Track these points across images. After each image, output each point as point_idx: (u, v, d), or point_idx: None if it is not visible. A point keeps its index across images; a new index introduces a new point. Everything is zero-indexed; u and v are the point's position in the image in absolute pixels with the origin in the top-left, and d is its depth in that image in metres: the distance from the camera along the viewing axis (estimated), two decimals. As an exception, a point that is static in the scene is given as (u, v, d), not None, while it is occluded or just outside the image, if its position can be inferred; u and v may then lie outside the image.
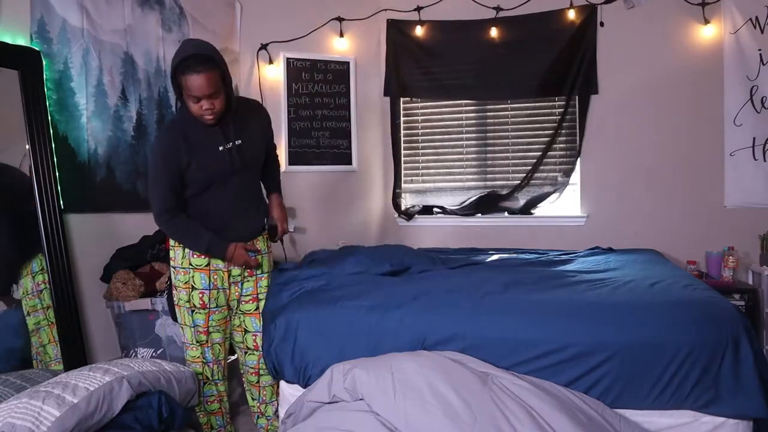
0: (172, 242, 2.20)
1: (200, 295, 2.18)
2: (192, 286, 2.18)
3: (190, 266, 2.17)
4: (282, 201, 2.40)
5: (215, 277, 2.20)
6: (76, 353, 2.46)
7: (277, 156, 2.52)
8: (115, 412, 1.76)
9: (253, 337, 2.32)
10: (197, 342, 2.23)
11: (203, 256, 2.17)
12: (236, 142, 2.16)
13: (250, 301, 2.34)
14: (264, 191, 2.42)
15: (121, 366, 1.94)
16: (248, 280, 2.31)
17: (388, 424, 1.68)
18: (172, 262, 2.22)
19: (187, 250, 2.16)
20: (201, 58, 1.95)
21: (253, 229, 2.30)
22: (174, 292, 2.23)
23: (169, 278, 2.57)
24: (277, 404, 2.34)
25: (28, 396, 1.68)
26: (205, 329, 2.22)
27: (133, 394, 1.83)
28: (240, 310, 2.33)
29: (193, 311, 2.19)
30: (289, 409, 2.02)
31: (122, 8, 2.88)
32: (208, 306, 2.20)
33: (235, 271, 2.26)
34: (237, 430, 2.55)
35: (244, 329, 2.35)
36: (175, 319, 2.54)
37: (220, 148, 2.12)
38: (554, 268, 2.80)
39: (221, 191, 2.17)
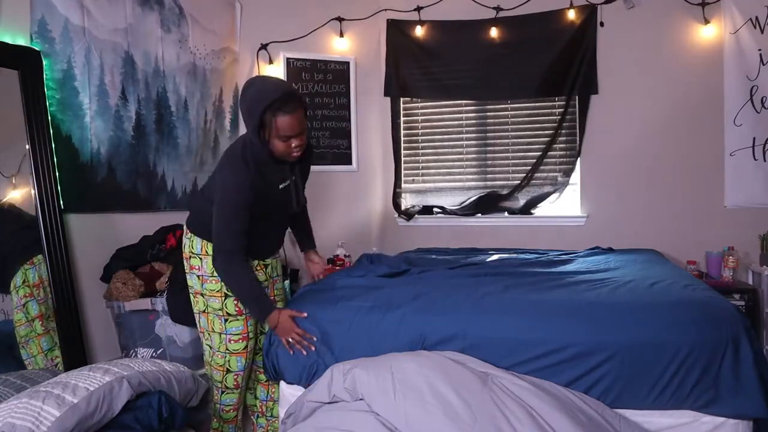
0: (197, 250, 2.13)
1: (235, 302, 2.12)
2: (225, 293, 2.11)
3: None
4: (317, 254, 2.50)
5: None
6: (76, 353, 2.46)
7: (306, 210, 2.49)
8: (115, 412, 1.76)
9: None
10: (227, 350, 2.15)
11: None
12: (294, 179, 2.17)
13: None
14: (298, 245, 2.53)
15: (121, 366, 1.94)
16: (265, 286, 2.29)
17: (388, 424, 1.68)
18: (196, 271, 2.13)
19: None
20: (291, 97, 1.96)
21: (278, 246, 2.36)
22: (199, 298, 2.15)
23: (175, 282, 2.57)
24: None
25: (28, 396, 1.68)
26: (245, 335, 2.16)
27: (133, 394, 1.83)
28: None
29: (226, 320, 2.13)
30: (289, 409, 2.02)
31: (123, 7, 2.88)
32: (244, 312, 2.15)
33: (261, 276, 2.25)
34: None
35: (260, 331, 2.33)
36: (175, 319, 2.54)
37: (281, 186, 2.13)
38: (554, 268, 2.80)
39: (268, 224, 2.17)
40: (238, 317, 2.15)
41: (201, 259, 2.13)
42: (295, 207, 2.20)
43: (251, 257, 2.19)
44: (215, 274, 2.09)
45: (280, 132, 1.95)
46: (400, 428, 1.66)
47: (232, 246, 2.02)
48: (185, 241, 2.19)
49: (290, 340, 2.08)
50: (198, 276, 2.15)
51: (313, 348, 2.09)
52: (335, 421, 1.73)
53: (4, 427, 1.55)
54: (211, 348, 2.20)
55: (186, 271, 2.20)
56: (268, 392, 2.38)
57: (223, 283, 2.10)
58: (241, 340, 2.16)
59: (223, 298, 2.13)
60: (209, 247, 2.10)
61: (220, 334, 2.16)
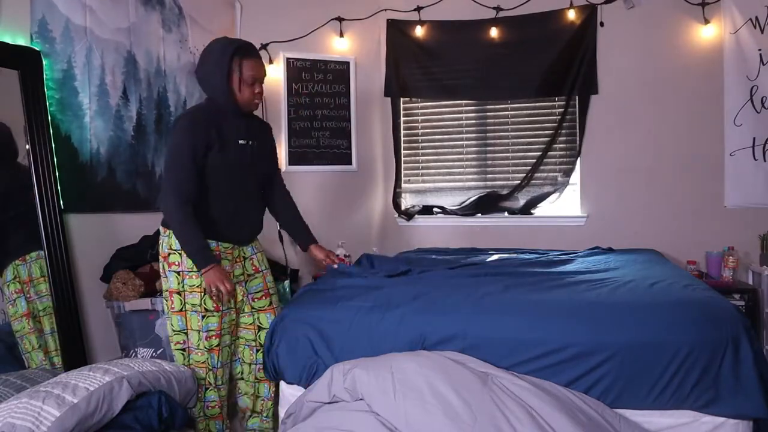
0: (176, 246, 2.12)
1: (213, 297, 2.13)
2: (204, 289, 2.12)
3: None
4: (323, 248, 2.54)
5: None
6: (76, 353, 2.46)
7: (295, 205, 2.56)
8: (115, 412, 1.76)
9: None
10: (206, 347, 2.16)
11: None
12: (253, 142, 2.27)
13: (263, 297, 2.35)
14: (297, 245, 2.61)
15: (121, 366, 1.94)
16: (255, 278, 2.34)
17: (388, 424, 1.68)
18: (176, 267, 2.14)
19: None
20: (252, 46, 2.20)
21: (252, 233, 2.36)
22: (175, 297, 2.14)
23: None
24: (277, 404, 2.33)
25: (28, 396, 1.68)
26: (218, 332, 2.17)
27: (133, 394, 1.83)
28: (253, 308, 2.33)
29: (204, 316, 2.14)
30: (289, 409, 2.02)
31: (126, 6, 2.88)
32: (221, 308, 2.17)
33: (237, 270, 2.28)
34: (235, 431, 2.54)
35: (258, 326, 2.33)
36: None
37: (240, 142, 2.21)
38: (554, 268, 2.81)
39: (230, 189, 2.20)
40: (215, 314, 2.16)
41: (180, 254, 2.13)
42: (258, 165, 2.30)
43: (231, 240, 2.23)
44: (194, 268, 2.11)
45: (246, 74, 2.13)
46: (400, 428, 1.66)
47: (183, 189, 2.06)
48: (162, 239, 2.18)
49: (213, 288, 2.07)
50: (177, 273, 2.14)
51: (225, 300, 2.16)
52: (335, 421, 1.73)
53: (4, 427, 1.55)
54: (185, 350, 2.19)
55: (162, 272, 2.19)
56: (270, 389, 2.38)
57: (200, 278, 2.10)
58: (214, 337, 2.17)
59: (202, 294, 2.13)
60: None
61: (198, 331, 2.15)
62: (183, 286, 2.14)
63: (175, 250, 2.14)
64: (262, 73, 2.20)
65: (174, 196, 2.05)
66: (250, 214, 2.32)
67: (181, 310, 2.15)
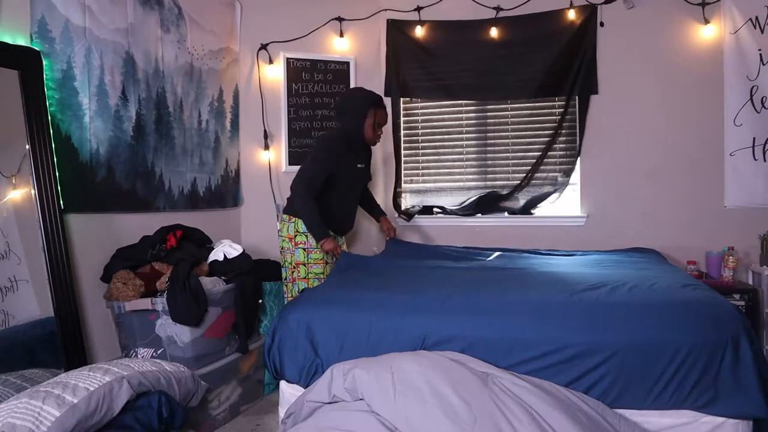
0: (302, 228, 2.95)
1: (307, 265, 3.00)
2: (326, 261, 3.00)
3: (312, 245, 2.97)
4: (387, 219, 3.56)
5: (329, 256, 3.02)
6: (76, 353, 2.46)
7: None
8: (115, 412, 1.77)
9: None
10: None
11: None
12: (364, 165, 3.20)
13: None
14: (372, 216, 3.61)
15: (121, 366, 1.95)
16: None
17: (388, 424, 1.68)
18: (303, 246, 2.98)
19: None
20: (382, 99, 3.12)
21: (350, 226, 3.26)
22: (301, 267, 2.98)
23: (175, 282, 2.58)
24: None
25: (28, 396, 1.68)
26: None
27: (133, 394, 1.84)
28: None
29: (317, 280, 2.96)
30: (289, 409, 2.02)
31: (125, 6, 2.88)
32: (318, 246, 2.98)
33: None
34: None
35: None
36: (176, 319, 2.55)
37: (358, 165, 3.13)
38: (554, 268, 2.80)
39: (347, 197, 3.12)
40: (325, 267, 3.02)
41: (306, 236, 2.97)
42: (365, 181, 3.32)
43: (335, 230, 3.08)
44: (318, 246, 2.92)
45: (378, 121, 3.07)
46: (400, 428, 1.66)
47: (315, 183, 2.90)
48: (288, 225, 3.02)
49: (329, 252, 2.92)
50: (304, 249, 2.99)
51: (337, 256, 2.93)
52: (335, 421, 1.73)
53: (4, 427, 1.55)
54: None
55: (287, 249, 3.02)
56: None
57: (321, 254, 2.97)
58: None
59: (324, 264, 3.00)
60: None
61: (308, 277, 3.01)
62: (308, 259, 2.99)
63: (302, 232, 2.98)
64: (386, 120, 3.14)
65: (308, 191, 2.88)
66: (352, 215, 3.24)
67: (305, 278, 2.97)
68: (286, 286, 3.07)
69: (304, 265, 2.99)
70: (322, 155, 2.96)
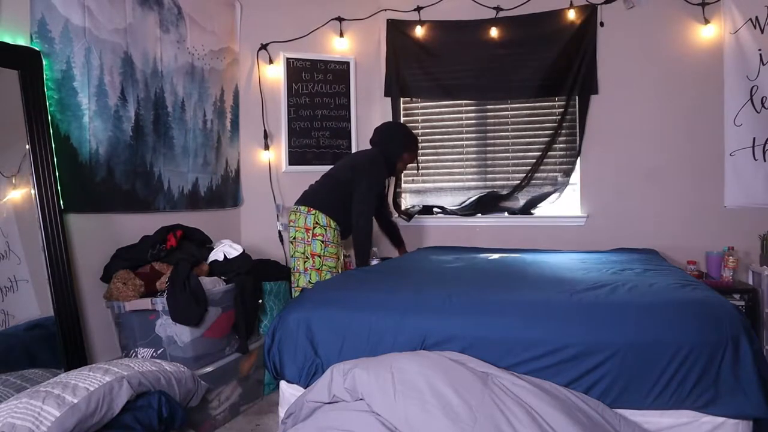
0: (322, 222, 3.08)
1: (343, 264, 3.21)
2: (338, 256, 3.13)
3: (338, 242, 3.14)
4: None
5: (337, 250, 3.16)
6: (76, 353, 2.46)
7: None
8: (115, 412, 1.77)
9: None
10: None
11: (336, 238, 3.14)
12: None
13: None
14: (393, 246, 3.80)
15: (121, 366, 1.95)
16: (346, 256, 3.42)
17: (388, 424, 1.68)
18: (321, 238, 3.08)
19: (337, 231, 3.13)
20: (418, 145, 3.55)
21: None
22: (316, 258, 3.07)
23: (175, 282, 2.58)
24: None
25: (28, 396, 1.68)
26: None
27: (133, 394, 1.84)
28: None
29: (332, 274, 3.06)
30: (289, 409, 2.02)
31: (123, 7, 2.88)
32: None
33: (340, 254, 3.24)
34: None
35: None
36: (176, 319, 2.55)
37: (386, 189, 3.52)
38: (553, 268, 2.80)
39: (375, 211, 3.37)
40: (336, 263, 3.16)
41: (326, 229, 3.09)
42: (386, 206, 3.71)
43: (344, 236, 3.22)
44: (335, 241, 3.11)
45: (405, 162, 3.43)
46: (400, 428, 1.66)
47: (370, 214, 3.20)
48: (308, 217, 3.10)
49: None
50: (322, 241, 3.08)
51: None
52: (335, 421, 1.73)
53: (4, 427, 1.55)
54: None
55: (305, 240, 3.09)
56: None
57: (337, 248, 3.14)
58: None
59: (337, 259, 3.13)
60: (332, 221, 3.10)
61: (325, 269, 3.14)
62: (324, 252, 3.07)
63: (321, 225, 3.09)
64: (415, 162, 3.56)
65: (367, 223, 3.17)
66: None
67: (318, 268, 3.07)
68: (294, 275, 3.13)
69: (319, 256, 3.07)
70: (376, 179, 3.26)
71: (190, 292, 2.57)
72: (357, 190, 3.14)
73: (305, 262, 3.09)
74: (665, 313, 1.88)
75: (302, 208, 3.13)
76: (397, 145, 3.32)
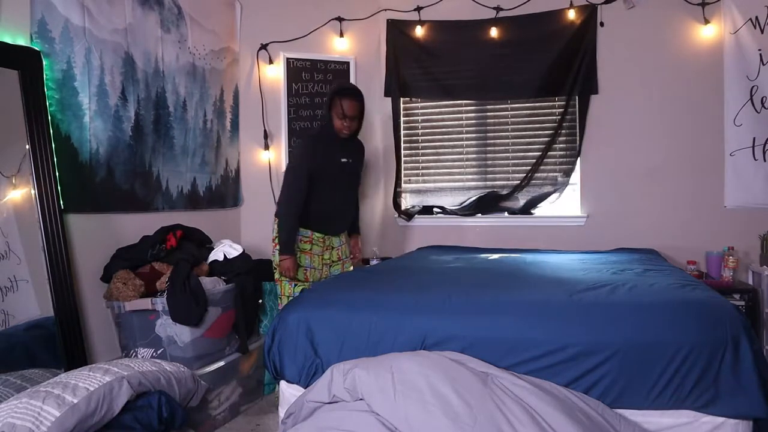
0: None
1: (305, 272, 2.96)
2: (298, 264, 2.91)
3: (298, 249, 2.92)
4: (359, 241, 3.37)
5: (314, 259, 2.99)
6: (76, 353, 2.46)
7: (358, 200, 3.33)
8: (115, 412, 1.77)
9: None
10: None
11: (308, 242, 2.97)
12: (350, 159, 3.05)
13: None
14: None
15: (121, 366, 1.95)
16: (336, 264, 3.09)
17: (388, 424, 1.68)
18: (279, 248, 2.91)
19: (299, 236, 2.91)
20: (353, 91, 2.97)
21: (343, 226, 3.16)
22: (277, 269, 2.93)
23: (175, 282, 2.58)
24: None
25: (28, 396, 1.68)
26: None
27: (133, 394, 1.84)
28: None
29: (295, 285, 2.91)
30: (289, 409, 2.02)
31: (123, 7, 2.88)
32: (310, 280, 2.95)
33: (326, 255, 3.05)
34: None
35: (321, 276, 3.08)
36: (176, 319, 2.55)
37: (342, 160, 3.00)
38: (553, 268, 2.80)
39: (329, 193, 2.95)
40: (305, 283, 2.92)
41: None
42: (354, 176, 3.16)
43: (324, 230, 3.00)
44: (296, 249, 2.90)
45: (340, 110, 2.89)
46: (400, 428, 1.66)
47: (288, 204, 2.88)
48: (274, 226, 2.97)
49: (285, 271, 2.87)
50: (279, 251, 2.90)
51: (292, 280, 2.90)
52: (335, 421, 1.73)
53: (4, 427, 1.55)
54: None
55: (273, 251, 2.96)
56: None
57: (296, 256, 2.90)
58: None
59: (309, 268, 2.96)
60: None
61: (288, 297, 2.87)
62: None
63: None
64: (351, 113, 2.92)
65: (288, 204, 2.88)
66: (344, 214, 3.12)
67: (279, 279, 2.94)
68: (281, 283, 3.02)
69: (277, 266, 2.97)
70: (295, 160, 3.00)
71: (189, 292, 2.57)
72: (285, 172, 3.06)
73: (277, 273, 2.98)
74: (665, 313, 1.88)
75: (275, 217, 3.02)
76: (326, 104, 3.00)
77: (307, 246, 2.98)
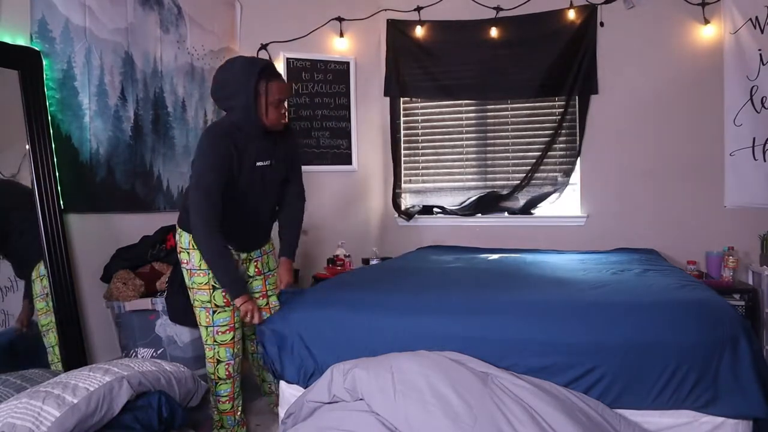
0: (185, 245, 2.20)
1: (223, 294, 2.19)
2: (213, 286, 2.18)
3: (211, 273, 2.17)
4: (291, 267, 2.43)
5: None
6: (76, 353, 2.46)
7: (301, 210, 2.48)
8: (115, 412, 1.76)
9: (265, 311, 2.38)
10: (217, 342, 2.23)
11: None
12: (272, 161, 2.23)
13: (260, 298, 2.41)
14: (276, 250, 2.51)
15: (121, 366, 1.95)
16: (256, 279, 2.39)
17: (388, 424, 1.68)
18: (185, 265, 2.21)
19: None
20: (274, 67, 2.18)
21: (262, 240, 2.40)
22: (189, 294, 2.24)
23: (174, 282, 2.57)
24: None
25: (28, 396, 1.68)
26: (232, 326, 2.24)
27: (133, 394, 1.83)
28: None
29: (215, 311, 2.21)
30: (289, 409, 2.02)
31: (125, 6, 2.88)
32: (231, 303, 2.20)
33: (251, 270, 2.38)
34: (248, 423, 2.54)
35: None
36: (174, 320, 2.55)
37: (258, 164, 2.19)
38: (553, 268, 2.81)
39: (241, 207, 2.20)
40: (226, 308, 2.21)
41: (189, 253, 2.19)
42: (276, 182, 2.28)
43: (235, 248, 2.25)
44: (203, 266, 2.15)
45: (274, 96, 2.10)
46: (400, 428, 1.66)
47: (209, 225, 2.04)
48: (177, 238, 2.26)
49: (248, 315, 2.15)
50: (187, 270, 2.21)
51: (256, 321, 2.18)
52: (335, 421, 1.73)
53: (4, 427, 1.55)
54: (204, 344, 2.28)
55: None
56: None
57: (207, 276, 2.16)
58: (228, 332, 2.23)
59: (211, 291, 2.19)
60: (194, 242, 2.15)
61: (207, 327, 2.22)
62: (192, 284, 2.21)
63: (184, 248, 2.21)
64: (288, 93, 2.25)
65: (204, 226, 2.05)
66: (258, 229, 2.35)
67: (194, 305, 2.24)
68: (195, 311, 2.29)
69: (190, 289, 2.24)
70: (203, 166, 2.07)
71: (187, 293, 2.57)
72: (189, 186, 2.15)
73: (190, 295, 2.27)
74: (665, 313, 1.88)
75: (178, 229, 2.27)
76: (238, 91, 2.06)
77: (204, 267, 2.18)
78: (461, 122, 4.17)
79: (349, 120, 4.09)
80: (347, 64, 4.06)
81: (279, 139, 2.25)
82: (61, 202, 2.51)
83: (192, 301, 2.24)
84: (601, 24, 3.77)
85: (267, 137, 2.19)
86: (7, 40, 2.35)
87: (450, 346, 1.96)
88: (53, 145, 2.50)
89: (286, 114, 2.22)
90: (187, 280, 2.22)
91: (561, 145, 3.95)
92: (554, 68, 3.84)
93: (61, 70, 2.57)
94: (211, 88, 2.19)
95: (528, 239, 3.88)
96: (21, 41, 2.41)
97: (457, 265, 2.97)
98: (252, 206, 2.24)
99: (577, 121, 3.88)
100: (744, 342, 1.78)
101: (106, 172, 2.79)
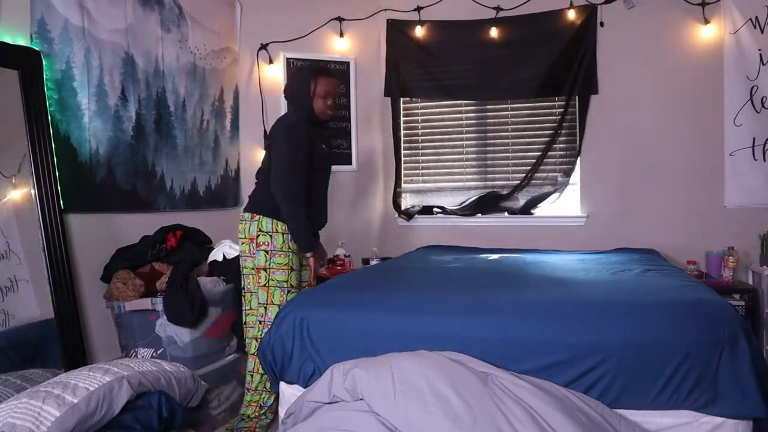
0: (266, 228, 2.49)
1: (297, 276, 2.55)
2: (291, 267, 2.50)
3: (290, 250, 2.50)
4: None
5: (296, 261, 2.55)
6: (76, 353, 2.46)
7: None
8: (115, 412, 1.77)
9: None
10: None
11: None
12: (327, 147, 2.75)
13: (306, 286, 2.66)
14: None
15: (121, 366, 1.95)
16: (306, 269, 2.64)
17: (388, 424, 1.68)
18: (265, 247, 2.48)
19: (287, 235, 2.49)
20: (329, 70, 2.79)
21: (326, 218, 2.76)
22: (262, 273, 2.48)
23: (174, 283, 2.57)
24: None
25: (28, 396, 1.68)
26: None
27: (133, 394, 1.84)
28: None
29: (289, 291, 2.49)
30: (289, 409, 2.02)
31: (124, 7, 2.88)
32: (303, 256, 2.56)
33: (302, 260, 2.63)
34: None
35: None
36: (172, 320, 2.55)
37: (323, 146, 2.66)
38: (553, 268, 2.81)
39: (317, 182, 2.60)
40: (295, 290, 2.53)
41: (271, 236, 2.50)
42: (331, 165, 2.78)
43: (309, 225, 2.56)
44: (284, 248, 2.49)
45: (323, 90, 2.55)
46: (400, 428, 1.66)
47: (294, 190, 2.43)
48: (249, 224, 2.53)
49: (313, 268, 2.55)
50: (266, 251, 2.49)
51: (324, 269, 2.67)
52: (335, 421, 1.73)
53: (5, 427, 1.55)
54: (261, 323, 2.48)
55: (247, 253, 2.54)
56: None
57: (287, 258, 2.50)
58: None
59: (289, 271, 2.51)
60: (278, 226, 2.48)
61: (278, 305, 2.45)
62: (270, 264, 2.48)
63: (265, 231, 2.50)
64: (334, 91, 2.62)
65: (296, 198, 2.43)
66: (323, 208, 2.72)
67: (265, 285, 2.48)
68: (244, 297, 2.61)
69: (265, 270, 2.49)
70: (293, 141, 2.46)
71: (186, 294, 2.57)
72: (273, 164, 2.48)
73: (252, 279, 2.56)
74: (665, 313, 1.88)
75: (246, 215, 2.58)
76: (299, 88, 2.58)
77: (295, 246, 2.55)
78: (461, 122, 4.17)
79: (349, 120, 4.10)
80: (347, 64, 4.06)
81: (324, 132, 2.78)
82: (61, 202, 2.51)
83: (265, 282, 2.48)
84: (601, 24, 3.77)
85: (320, 128, 2.69)
86: (7, 40, 2.35)
87: (450, 346, 1.96)
88: (53, 145, 2.50)
89: (332, 108, 2.62)
90: (262, 262, 2.48)
91: (561, 145, 3.95)
92: (554, 68, 3.84)
93: (60, 70, 2.57)
94: (284, 88, 2.90)
95: (528, 239, 3.88)
96: (21, 41, 2.41)
97: (457, 265, 2.97)
98: (322, 185, 2.66)
99: (577, 121, 3.88)
100: (744, 342, 1.78)
101: (106, 172, 2.79)
